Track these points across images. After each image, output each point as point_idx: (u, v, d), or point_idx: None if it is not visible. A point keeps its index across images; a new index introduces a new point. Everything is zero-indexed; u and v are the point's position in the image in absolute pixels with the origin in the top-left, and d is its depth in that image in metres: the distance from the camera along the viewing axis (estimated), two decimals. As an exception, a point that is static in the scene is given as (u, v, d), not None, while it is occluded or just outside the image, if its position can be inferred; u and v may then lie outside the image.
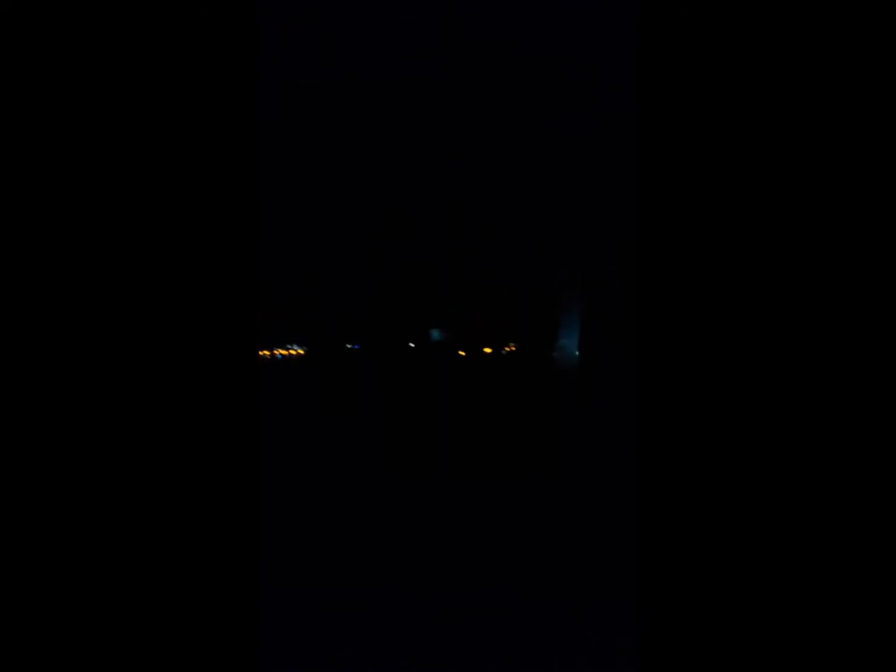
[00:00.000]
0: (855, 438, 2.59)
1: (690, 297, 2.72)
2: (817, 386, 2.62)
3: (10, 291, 2.67)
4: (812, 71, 2.63)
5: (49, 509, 2.66)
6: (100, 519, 2.69)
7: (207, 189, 2.79)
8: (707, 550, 2.68)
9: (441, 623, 4.08)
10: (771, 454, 2.64)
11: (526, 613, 4.20)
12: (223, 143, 2.81)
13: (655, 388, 2.75)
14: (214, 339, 2.77)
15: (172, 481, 2.72)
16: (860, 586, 2.58)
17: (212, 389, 2.74)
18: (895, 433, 2.57)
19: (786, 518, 2.63)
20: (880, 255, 2.59)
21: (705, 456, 2.68)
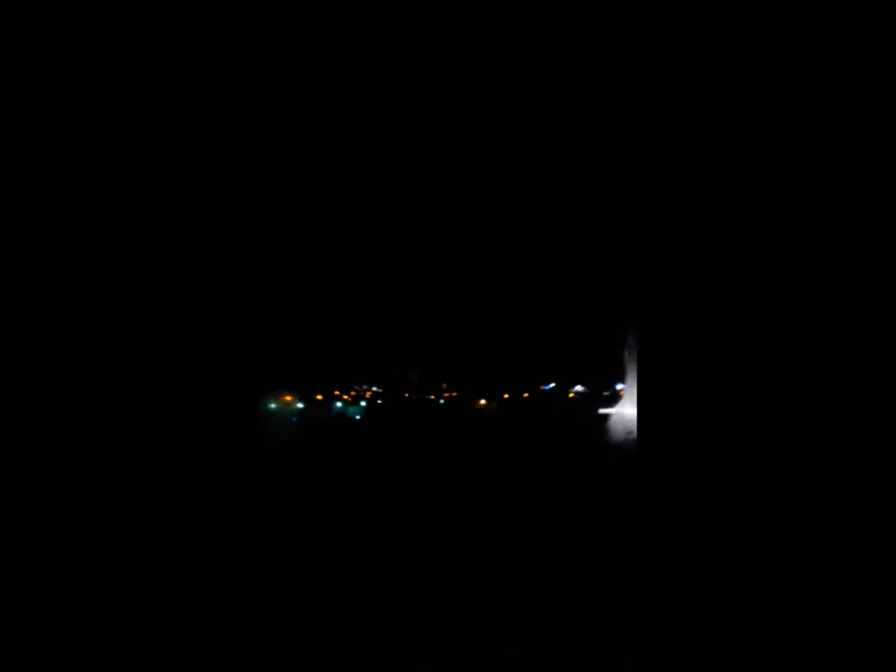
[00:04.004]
0: (847, 440, 2.60)
1: (689, 300, 2.72)
2: (814, 393, 2.63)
3: (9, 302, 2.68)
4: (814, 82, 2.63)
5: (60, 519, 2.67)
6: (104, 537, 2.70)
7: (208, 190, 2.79)
8: (706, 551, 2.68)
9: (441, 623, 4.08)
10: (768, 455, 2.65)
11: (526, 613, 4.21)
12: (223, 142, 2.81)
13: (655, 389, 2.75)
14: (215, 340, 2.78)
15: (176, 493, 2.73)
16: (856, 586, 2.58)
17: (211, 429, 2.75)
18: (890, 432, 2.57)
19: (784, 516, 2.63)
20: (875, 248, 2.59)
21: (704, 457, 2.69)
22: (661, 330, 2.74)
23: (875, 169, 2.60)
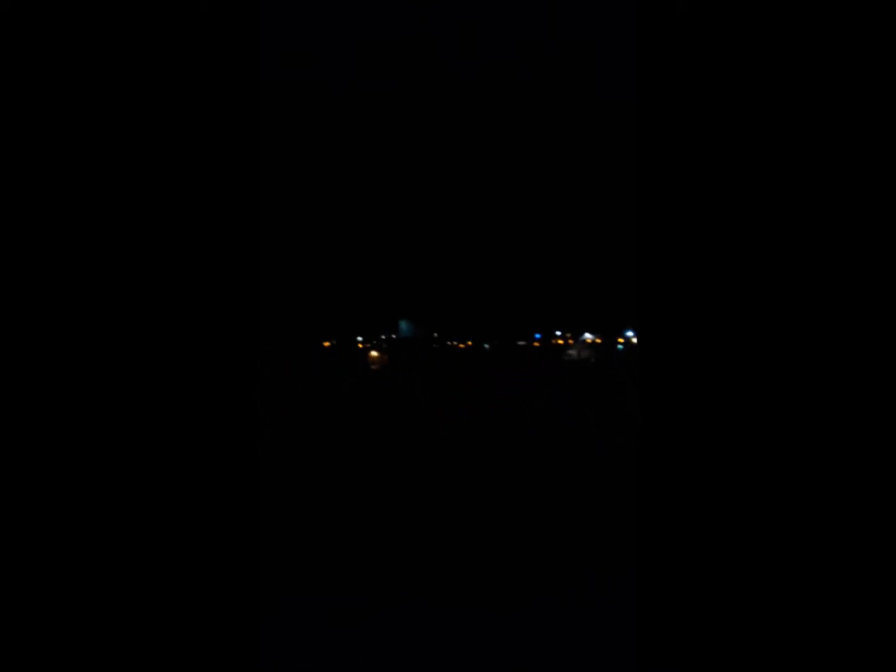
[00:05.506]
0: (848, 436, 2.60)
1: (689, 298, 2.73)
2: (816, 391, 2.63)
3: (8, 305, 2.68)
4: (815, 81, 2.63)
5: (58, 517, 2.67)
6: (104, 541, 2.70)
7: (207, 191, 2.79)
8: (706, 550, 2.69)
9: (441, 623, 4.08)
10: (769, 455, 2.65)
11: (526, 613, 4.21)
12: (223, 143, 2.82)
13: (655, 389, 2.75)
14: (214, 340, 2.78)
15: (174, 486, 2.73)
16: (857, 585, 2.58)
17: (211, 392, 2.75)
18: (887, 432, 2.57)
19: (784, 515, 2.64)
20: (875, 248, 2.60)
21: (705, 457, 2.69)
22: (661, 325, 2.74)
23: (875, 169, 2.60)
